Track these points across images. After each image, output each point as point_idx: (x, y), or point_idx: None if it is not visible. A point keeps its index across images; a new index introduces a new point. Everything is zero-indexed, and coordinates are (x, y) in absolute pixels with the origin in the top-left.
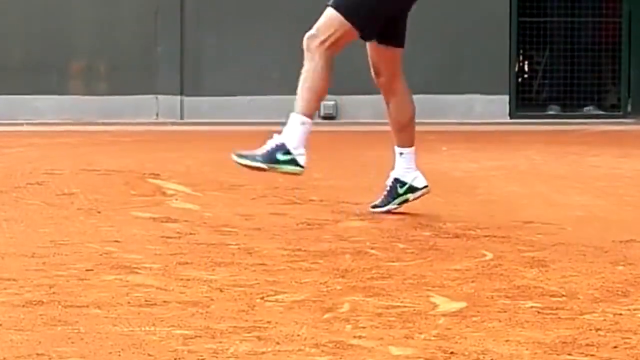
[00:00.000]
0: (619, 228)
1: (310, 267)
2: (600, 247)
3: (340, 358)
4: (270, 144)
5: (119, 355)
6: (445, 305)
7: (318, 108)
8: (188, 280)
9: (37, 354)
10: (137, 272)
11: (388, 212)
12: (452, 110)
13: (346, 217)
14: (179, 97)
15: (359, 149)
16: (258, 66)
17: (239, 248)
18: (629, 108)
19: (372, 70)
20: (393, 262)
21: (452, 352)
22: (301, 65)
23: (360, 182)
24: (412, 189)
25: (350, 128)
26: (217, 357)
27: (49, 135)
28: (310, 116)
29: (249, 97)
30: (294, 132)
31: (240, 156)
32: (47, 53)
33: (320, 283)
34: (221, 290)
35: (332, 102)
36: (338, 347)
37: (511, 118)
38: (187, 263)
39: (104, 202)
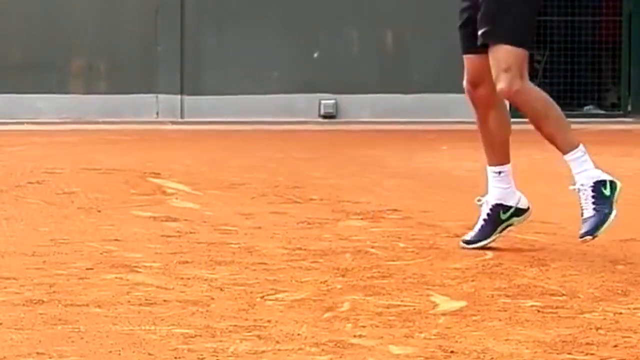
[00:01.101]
0: (619, 227)
1: (310, 266)
2: (600, 246)
3: (341, 357)
4: (584, 202)
5: (119, 354)
6: (446, 304)
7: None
8: (188, 279)
9: (37, 353)
10: (137, 271)
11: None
12: (452, 109)
13: (346, 216)
14: (179, 97)
15: (359, 148)
16: (258, 66)
17: (239, 247)
18: (629, 107)
19: (468, 85)
20: (393, 261)
21: (452, 351)
22: (300, 64)
23: (360, 181)
24: (518, 212)
25: (350, 127)
26: (217, 356)
27: (49, 134)
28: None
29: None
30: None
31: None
32: (47, 52)
33: (321, 282)
34: (221, 289)
35: (332, 101)
36: (338, 346)
37: (512, 117)
38: (187, 262)
39: (104, 201)
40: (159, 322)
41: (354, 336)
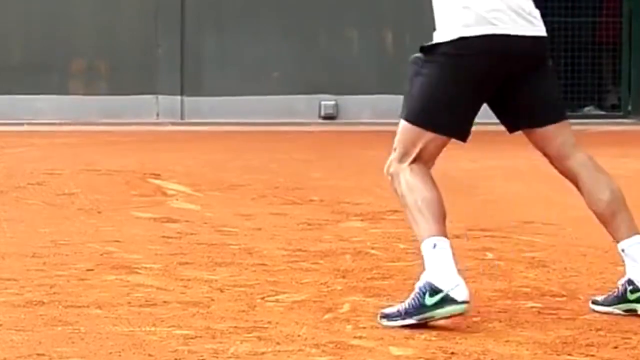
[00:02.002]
0: None
1: (310, 268)
2: (600, 247)
3: (341, 358)
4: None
5: (120, 355)
6: None
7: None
8: (188, 280)
9: (38, 354)
10: (137, 272)
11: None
12: None
13: (346, 217)
14: (179, 97)
15: (359, 149)
16: (258, 67)
17: (239, 248)
18: (630, 108)
19: None
20: (393, 262)
21: (452, 353)
22: (301, 65)
23: (361, 182)
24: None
25: (350, 128)
26: (217, 357)
27: (50, 135)
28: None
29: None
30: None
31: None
32: (47, 53)
33: (321, 283)
34: (222, 291)
35: (333, 102)
36: (338, 348)
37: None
38: (187, 263)
39: (105, 202)
40: (159, 323)
41: (354, 337)
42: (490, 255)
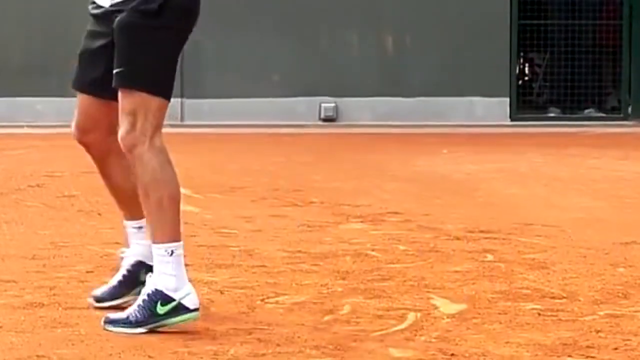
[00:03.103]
0: (619, 230)
1: (310, 269)
2: (600, 249)
3: None
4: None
5: (120, 356)
6: (446, 307)
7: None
8: (189, 281)
9: (38, 356)
10: None
11: None
12: (452, 112)
13: (347, 219)
14: (179, 99)
15: (359, 152)
16: (258, 69)
17: (239, 250)
18: (630, 110)
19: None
20: (393, 264)
21: (452, 354)
22: (301, 67)
23: (361, 184)
24: None
25: (350, 130)
26: (217, 359)
27: (50, 137)
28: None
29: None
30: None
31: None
32: (47, 55)
33: (321, 285)
34: (221, 292)
35: (332, 105)
36: (338, 349)
37: (512, 120)
38: (187, 265)
39: (105, 204)
40: None
41: (354, 339)
42: (490, 257)
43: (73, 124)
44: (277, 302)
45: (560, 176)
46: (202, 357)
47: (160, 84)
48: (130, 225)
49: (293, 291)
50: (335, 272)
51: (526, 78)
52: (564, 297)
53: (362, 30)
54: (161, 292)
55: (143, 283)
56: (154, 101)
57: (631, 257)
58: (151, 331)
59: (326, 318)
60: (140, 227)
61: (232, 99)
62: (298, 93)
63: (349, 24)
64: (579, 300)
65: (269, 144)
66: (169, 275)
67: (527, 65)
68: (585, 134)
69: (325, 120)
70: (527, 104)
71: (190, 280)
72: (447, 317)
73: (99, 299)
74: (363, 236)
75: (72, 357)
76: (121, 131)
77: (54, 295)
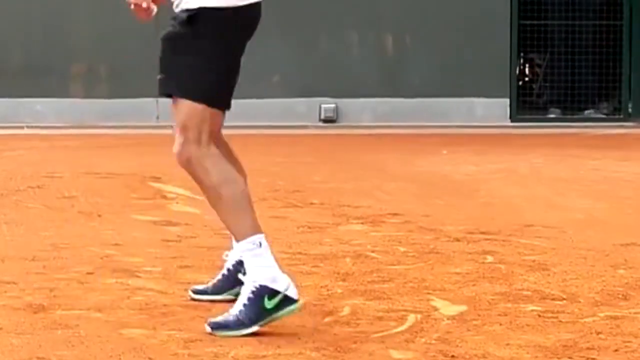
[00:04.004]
0: (620, 231)
1: (310, 271)
2: (601, 251)
3: None
4: (242, 295)
5: (119, 358)
6: (446, 308)
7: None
8: (189, 283)
9: (38, 358)
10: (137, 276)
11: None
12: (453, 113)
13: (347, 220)
14: None
15: (359, 153)
16: (258, 70)
17: None
18: (630, 111)
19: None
20: (394, 265)
21: (452, 356)
22: (301, 68)
23: (361, 185)
24: None
25: (350, 131)
26: None
27: (50, 138)
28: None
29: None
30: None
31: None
32: (47, 56)
33: (321, 286)
34: None
35: (333, 106)
36: (339, 351)
37: (512, 121)
38: (187, 266)
39: (105, 205)
40: (160, 327)
41: (355, 341)
42: (490, 258)
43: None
44: None
45: (560, 177)
46: (202, 359)
47: (204, 91)
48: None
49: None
50: (336, 274)
51: (526, 78)
52: (564, 299)
53: (362, 31)
54: (266, 286)
55: (241, 283)
56: (199, 108)
57: (631, 258)
58: (151, 333)
59: (326, 319)
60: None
61: (232, 100)
62: (298, 94)
63: (349, 24)
64: (579, 302)
65: (269, 145)
66: (266, 267)
67: (527, 65)
68: (585, 135)
69: (325, 121)
70: (527, 104)
71: (192, 282)
72: (448, 319)
73: (198, 292)
74: (363, 237)
75: (72, 359)
76: (176, 144)
77: (54, 296)
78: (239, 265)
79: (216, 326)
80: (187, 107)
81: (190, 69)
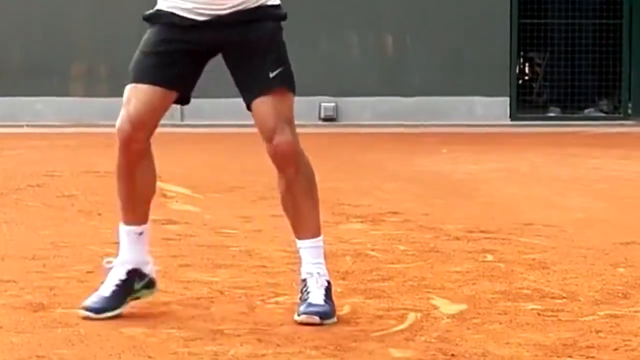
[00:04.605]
0: (620, 230)
1: None
2: (600, 249)
3: None
4: (315, 288)
5: (119, 357)
6: (446, 307)
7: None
8: (188, 282)
9: (38, 356)
10: None
11: None
12: (452, 112)
13: (346, 219)
14: None
15: (359, 151)
16: None
17: (239, 250)
18: (630, 110)
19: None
20: (393, 264)
21: (452, 354)
22: (300, 67)
23: (361, 184)
24: (149, 284)
25: (350, 130)
26: (217, 359)
27: (50, 137)
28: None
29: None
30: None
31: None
32: (47, 55)
33: None
34: (222, 292)
35: (332, 104)
36: (338, 350)
37: (512, 120)
38: (187, 265)
39: (104, 204)
40: (159, 325)
41: (354, 339)
42: (490, 257)
43: (125, 119)
44: (277, 303)
45: (560, 176)
46: (202, 358)
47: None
48: (134, 230)
49: (293, 291)
50: (335, 272)
51: (526, 78)
52: (564, 297)
53: (362, 30)
54: (330, 281)
55: (136, 291)
56: (294, 101)
57: (631, 257)
58: (151, 332)
59: None
60: (141, 233)
61: (233, 99)
62: (298, 92)
63: (349, 24)
64: (579, 301)
65: None
66: (323, 264)
67: (527, 64)
68: (585, 134)
69: (325, 120)
70: (527, 103)
71: (191, 281)
72: (447, 318)
73: (97, 310)
74: (363, 236)
75: (72, 358)
76: (285, 136)
77: (54, 295)
78: (133, 274)
79: (327, 315)
80: (291, 101)
81: (289, 63)
